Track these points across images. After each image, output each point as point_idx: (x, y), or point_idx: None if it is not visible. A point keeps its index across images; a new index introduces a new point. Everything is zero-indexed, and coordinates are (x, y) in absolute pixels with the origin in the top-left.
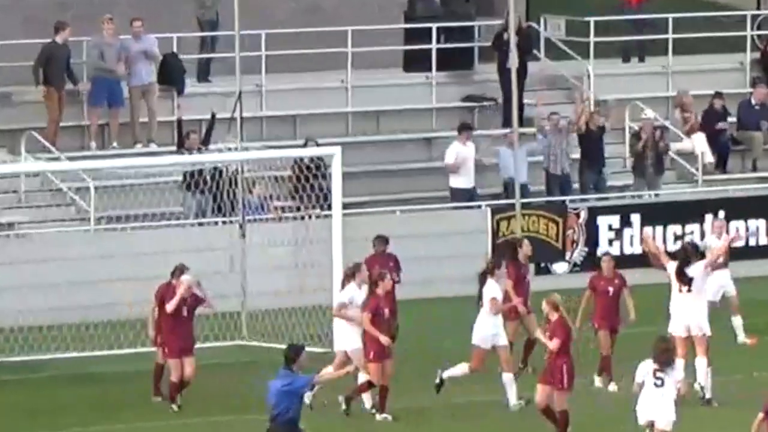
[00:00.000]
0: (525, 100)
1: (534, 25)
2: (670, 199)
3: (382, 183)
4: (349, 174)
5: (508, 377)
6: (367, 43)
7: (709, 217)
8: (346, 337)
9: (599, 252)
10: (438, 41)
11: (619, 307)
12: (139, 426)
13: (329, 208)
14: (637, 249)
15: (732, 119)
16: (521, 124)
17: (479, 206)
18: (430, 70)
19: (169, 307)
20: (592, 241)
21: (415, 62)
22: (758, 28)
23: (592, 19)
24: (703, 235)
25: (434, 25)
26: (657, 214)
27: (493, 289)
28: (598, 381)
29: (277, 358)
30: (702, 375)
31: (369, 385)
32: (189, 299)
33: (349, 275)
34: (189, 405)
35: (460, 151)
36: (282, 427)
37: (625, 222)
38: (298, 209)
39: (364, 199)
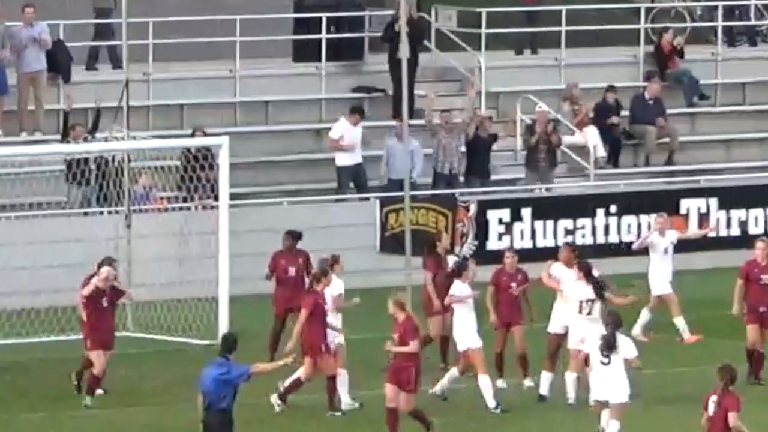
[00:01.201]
0: (415, 92)
1: (425, 15)
2: (561, 194)
3: (270, 174)
4: (237, 164)
5: (488, 377)
6: (256, 33)
7: (600, 211)
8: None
9: (489, 246)
10: (328, 31)
11: (521, 304)
12: (25, 417)
13: (216, 198)
14: (528, 243)
15: (625, 113)
16: (411, 115)
17: (368, 198)
18: (319, 60)
19: (85, 291)
20: (482, 234)
21: (304, 52)
22: (652, 21)
23: (484, 11)
24: (594, 229)
25: (324, 15)
26: (548, 209)
27: (456, 289)
28: (528, 381)
29: (161, 350)
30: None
31: (332, 379)
32: (109, 291)
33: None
34: (75, 397)
35: (347, 129)
36: (215, 416)
37: (516, 216)
38: (185, 200)
39: (252, 189)
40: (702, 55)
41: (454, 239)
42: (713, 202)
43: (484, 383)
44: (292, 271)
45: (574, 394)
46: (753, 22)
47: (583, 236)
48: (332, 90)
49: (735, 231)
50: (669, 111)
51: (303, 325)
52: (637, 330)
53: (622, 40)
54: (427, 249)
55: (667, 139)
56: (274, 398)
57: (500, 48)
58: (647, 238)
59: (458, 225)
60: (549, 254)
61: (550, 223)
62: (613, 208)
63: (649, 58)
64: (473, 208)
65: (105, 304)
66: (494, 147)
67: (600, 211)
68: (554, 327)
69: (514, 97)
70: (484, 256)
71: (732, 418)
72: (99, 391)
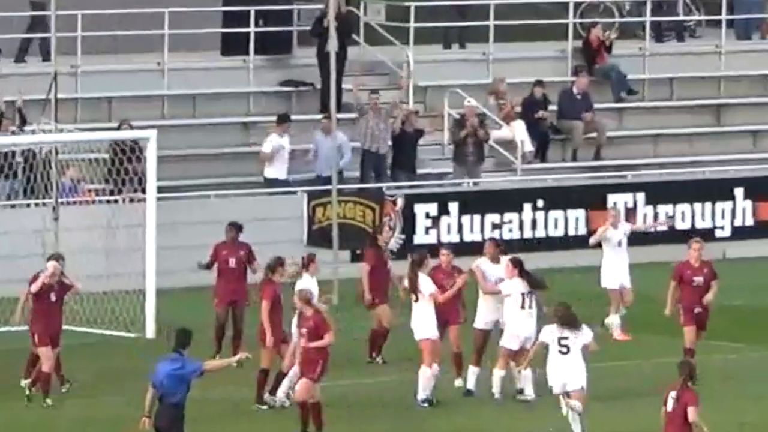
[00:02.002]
0: (344, 86)
1: (354, 9)
2: (488, 188)
3: (198, 167)
4: (165, 157)
5: (430, 371)
6: (185, 26)
7: (528, 205)
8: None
9: (416, 239)
10: (256, 25)
11: (457, 303)
12: None
13: (144, 191)
14: (455, 238)
15: (552, 108)
16: (339, 109)
17: (295, 192)
18: (247, 53)
19: (33, 287)
20: (409, 228)
21: (232, 46)
22: (581, 16)
23: (412, 4)
24: (521, 224)
25: (253, 9)
26: (475, 203)
27: (428, 284)
28: (459, 381)
29: (88, 342)
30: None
31: (265, 373)
32: (56, 287)
33: (304, 266)
34: (7, 391)
35: (277, 142)
36: (167, 410)
37: (443, 210)
38: (113, 192)
39: (180, 183)
40: (630, 50)
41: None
42: (640, 197)
43: (424, 375)
44: (233, 262)
45: (500, 390)
46: (681, 18)
47: (510, 230)
48: (260, 83)
49: (662, 226)
50: (597, 106)
51: (259, 316)
52: (616, 333)
53: (550, 35)
54: (369, 241)
55: (594, 134)
56: (267, 398)
57: (428, 42)
58: (605, 232)
59: (385, 219)
60: (476, 248)
61: (477, 217)
62: (540, 203)
63: (577, 53)
64: (400, 202)
65: (53, 299)
66: (422, 141)
67: (527, 206)
68: (480, 323)
69: (441, 91)
70: (411, 250)
71: (692, 413)
72: (26, 386)
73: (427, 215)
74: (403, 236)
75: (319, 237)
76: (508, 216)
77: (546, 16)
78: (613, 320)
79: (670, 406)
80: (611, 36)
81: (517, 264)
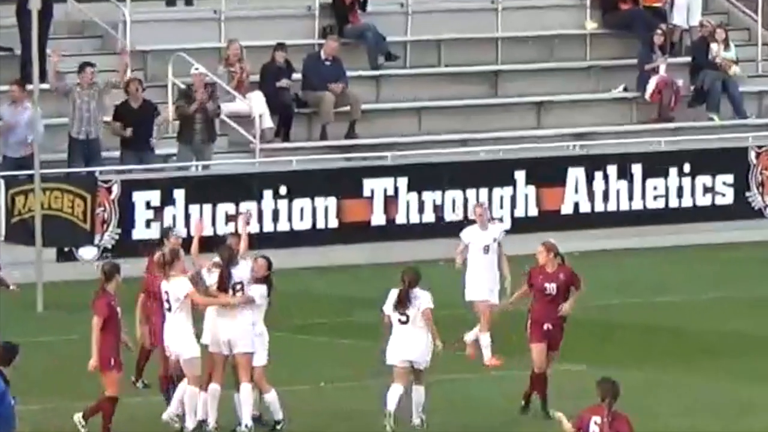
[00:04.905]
0: (48, 50)
1: None
2: (221, 172)
3: None
4: None
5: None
6: None
7: (268, 193)
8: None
9: (135, 235)
10: None
11: None
12: None
13: None
14: (182, 232)
15: (297, 76)
16: (42, 78)
17: None
18: None
19: None
20: (127, 221)
21: None
22: None
23: None
24: (260, 215)
25: None
26: (206, 190)
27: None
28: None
29: None
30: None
31: (113, 401)
32: None
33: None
34: None
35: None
36: None
37: (168, 199)
38: None
39: None
40: (389, 8)
41: (95, 227)
42: (402, 182)
43: (189, 392)
44: None
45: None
46: None
47: (248, 223)
48: None
49: (429, 217)
50: (349, 74)
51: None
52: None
53: None
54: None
55: (347, 108)
56: (77, 417)
57: None
58: (463, 250)
59: (99, 210)
60: (207, 243)
61: (207, 207)
62: (283, 190)
63: (326, 10)
64: (116, 190)
65: None
66: None
67: (267, 193)
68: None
69: (165, 56)
70: (128, 248)
71: None
72: None
73: (148, 205)
74: (119, 231)
75: (19, 231)
76: (244, 205)
77: None
78: (480, 338)
79: None
80: None
81: (268, 262)
